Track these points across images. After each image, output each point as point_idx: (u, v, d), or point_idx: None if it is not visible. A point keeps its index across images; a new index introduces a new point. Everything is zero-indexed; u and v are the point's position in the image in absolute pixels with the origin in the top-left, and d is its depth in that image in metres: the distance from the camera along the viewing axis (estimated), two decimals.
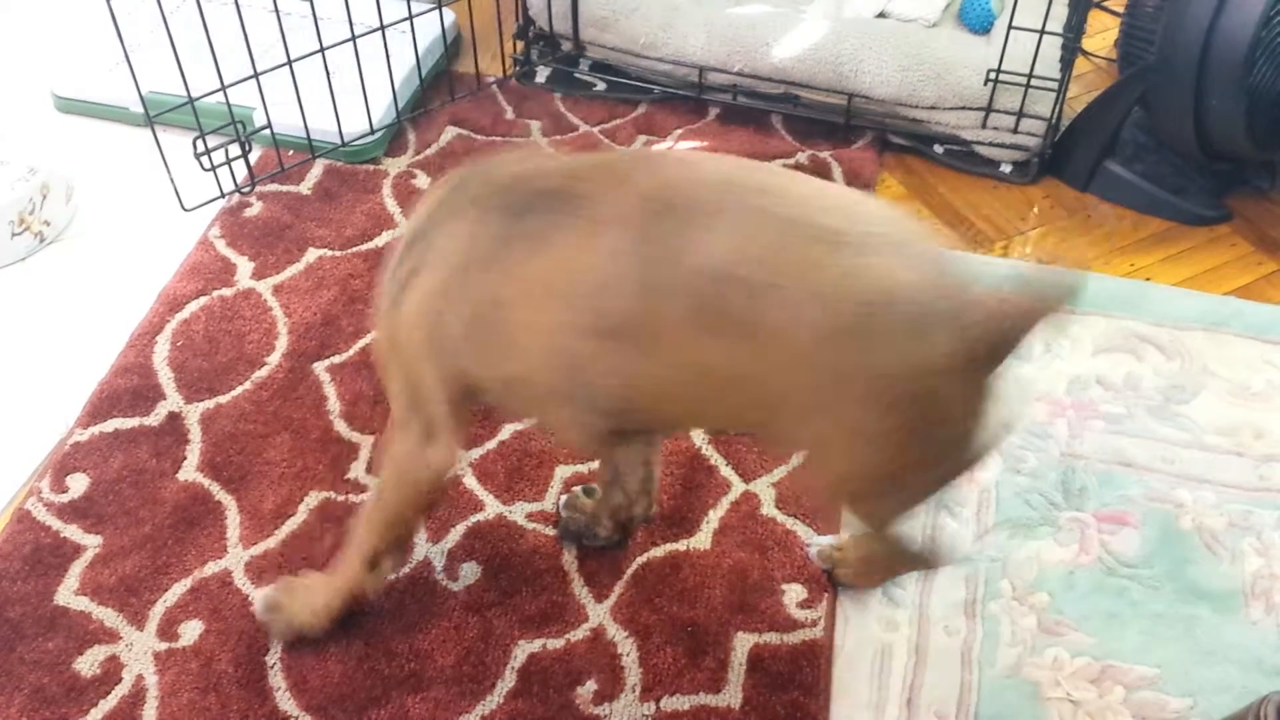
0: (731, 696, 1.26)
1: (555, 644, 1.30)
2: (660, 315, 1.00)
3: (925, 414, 1.00)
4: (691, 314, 0.99)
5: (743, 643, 1.30)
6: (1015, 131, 1.91)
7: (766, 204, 1.00)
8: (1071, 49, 1.85)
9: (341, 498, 1.44)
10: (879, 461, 1.04)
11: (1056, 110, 1.89)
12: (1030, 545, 1.41)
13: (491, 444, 1.50)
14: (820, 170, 1.91)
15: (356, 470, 1.47)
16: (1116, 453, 1.51)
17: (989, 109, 1.90)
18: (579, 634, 1.31)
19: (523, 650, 1.30)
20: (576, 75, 2.11)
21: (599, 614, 1.33)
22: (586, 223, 1.03)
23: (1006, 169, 1.94)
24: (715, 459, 1.48)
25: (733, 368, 1.01)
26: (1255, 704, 1.03)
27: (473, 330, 1.09)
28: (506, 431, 1.51)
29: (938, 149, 1.97)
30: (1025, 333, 0.97)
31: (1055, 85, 1.85)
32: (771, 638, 1.31)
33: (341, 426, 1.52)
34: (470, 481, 1.46)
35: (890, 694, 1.28)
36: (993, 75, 1.86)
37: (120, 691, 1.26)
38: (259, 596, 1.32)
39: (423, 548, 1.39)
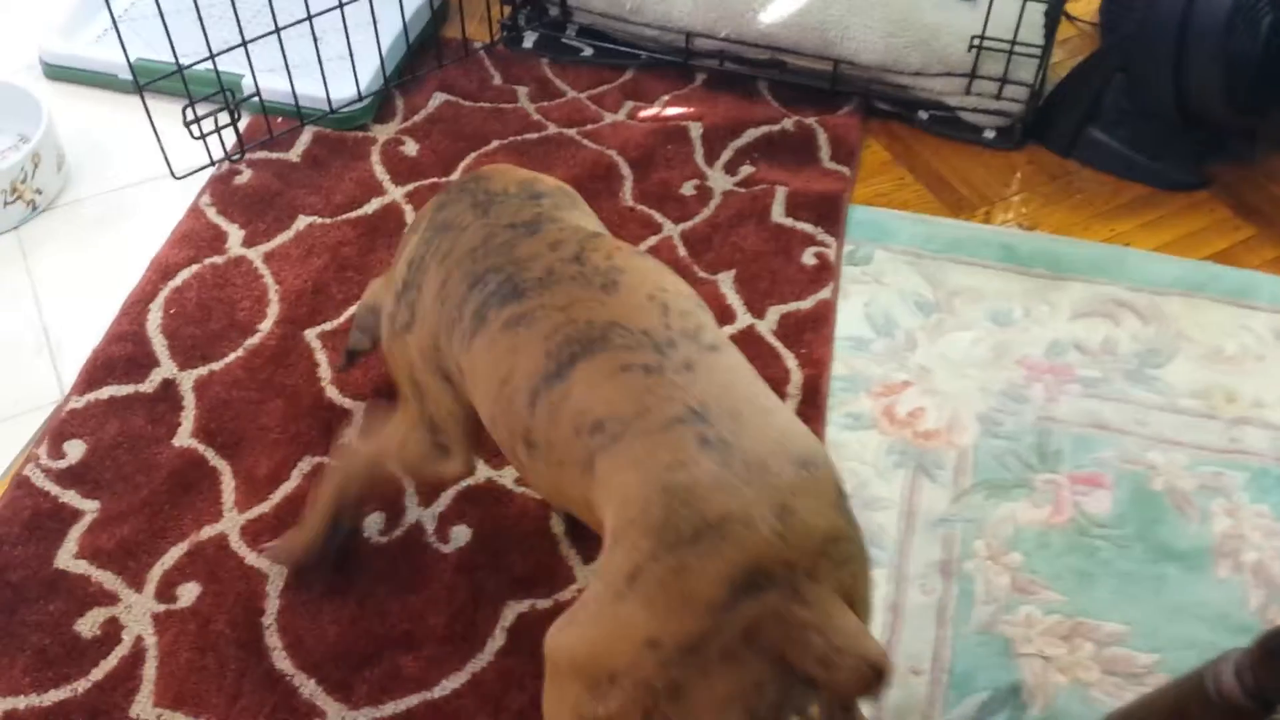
0: None
1: (544, 604, 1.34)
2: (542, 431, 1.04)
3: None
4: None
5: None
6: (999, 98, 1.93)
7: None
8: (1054, 15, 1.87)
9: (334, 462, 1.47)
10: None
11: (1040, 77, 1.90)
12: (1006, 506, 1.45)
13: None
14: (806, 136, 1.93)
15: (348, 435, 1.50)
16: (1091, 416, 1.54)
17: (973, 75, 1.91)
18: (567, 594, 1.35)
19: (512, 610, 1.34)
20: (563, 40, 2.12)
21: (586, 575, 1.37)
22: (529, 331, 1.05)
23: (990, 135, 1.96)
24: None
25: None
26: (1214, 661, 1.07)
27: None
28: None
29: (922, 115, 1.99)
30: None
31: (1039, 52, 1.86)
32: None
33: (333, 393, 1.55)
34: None
35: None
36: (977, 42, 1.87)
37: (120, 652, 1.30)
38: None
39: (414, 511, 1.43)
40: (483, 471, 1.46)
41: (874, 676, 0.89)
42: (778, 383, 1.56)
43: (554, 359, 1.02)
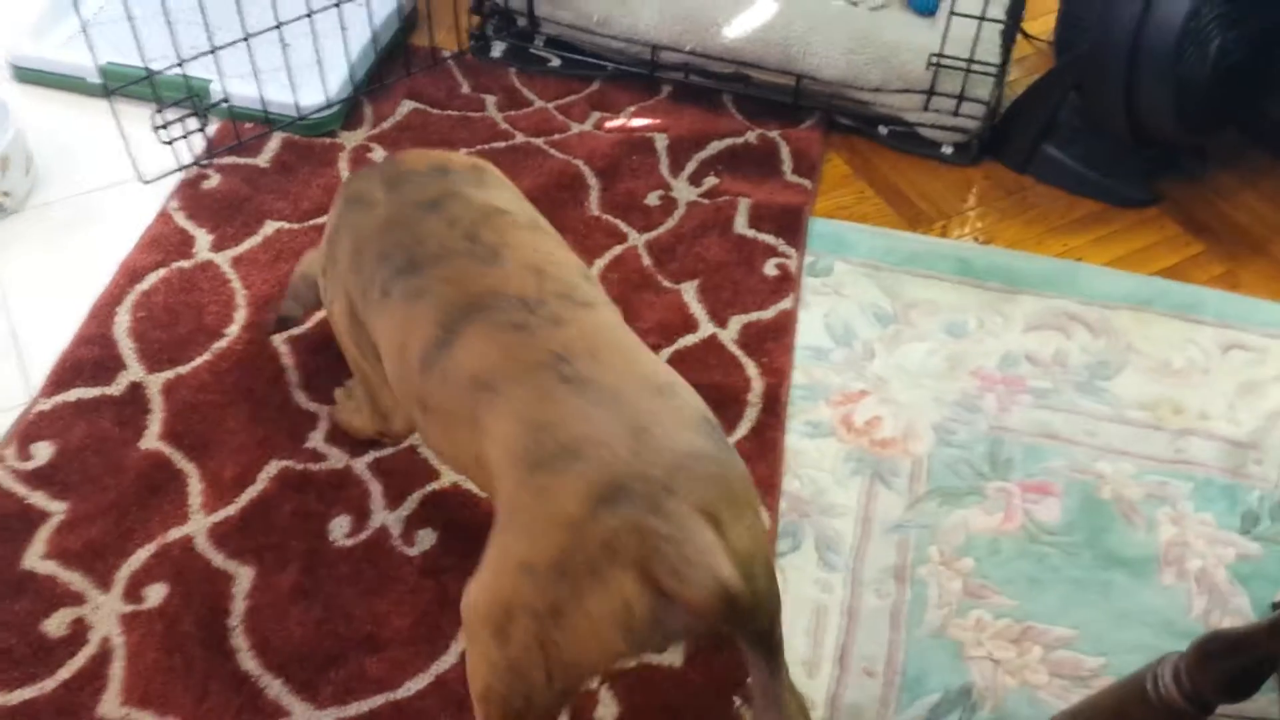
0: (674, 655, 1.33)
1: None
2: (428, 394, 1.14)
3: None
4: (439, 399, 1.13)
5: None
6: (956, 114, 1.97)
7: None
8: (1010, 34, 1.92)
9: (300, 466, 1.49)
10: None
11: (996, 94, 1.95)
12: (958, 513, 1.49)
13: None
14: (769, 149, 1.97)
15: (315, 440, 1.52)
16: (1042, 426, 1.59)
17: (931, 92, 1.96)
18: None
19: None
20: (531, 50, 2.15)
21: None
22: (426, 298, 1.15)
23: (948, 150, 2.01)
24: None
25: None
26: (1154, 664, 1.11)
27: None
28: None
29: (882, 130, 2.03)
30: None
31: (995, 70, 1.91)
32: None
33: (300, 397, 1.57)
34: (426, 451, 1.51)
35: (825, 652, 1.35)
36: (935, 60, 1.92)
37: (88, 651, 1.31)
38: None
39: (380, 515, 1.45)
40: (448, 476, 1.49)
41: (722, 595, 0.91)
42: (738, 390, 1.59)
43: (442, 327, 1.11)
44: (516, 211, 1.25)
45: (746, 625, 0.99)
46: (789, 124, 2.03)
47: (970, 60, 1.90)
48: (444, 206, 1.22)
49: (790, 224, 1.84)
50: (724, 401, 1.57)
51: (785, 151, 1.97)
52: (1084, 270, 1.81)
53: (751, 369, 1.62)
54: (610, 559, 0.93)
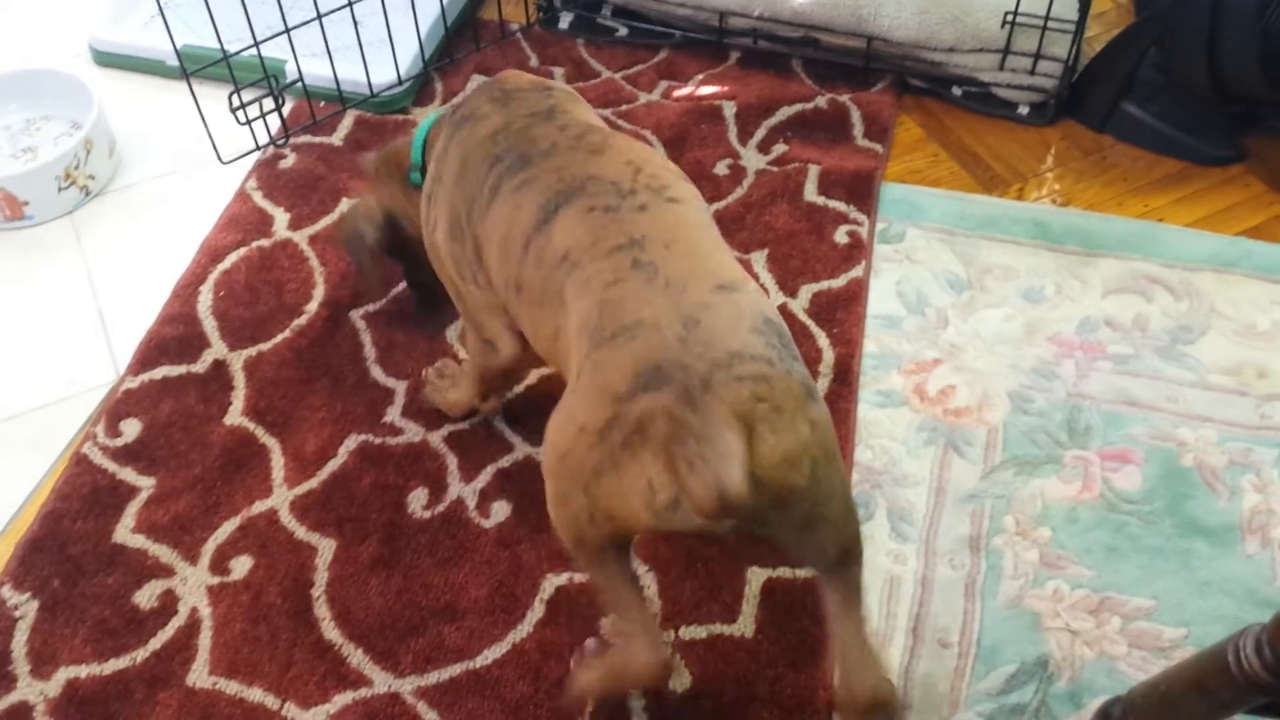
0: (745, 626, 1.34)
1: (581, 577, 1.38)
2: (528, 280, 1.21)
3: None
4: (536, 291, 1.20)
5: (757, 576, 1.38)
6: (1033, 73, 1.93)
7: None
8: None
9: (379, 440, 1.52)
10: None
11: (1073, 52, 1.91)
12: (1035, 482, 1.47)
13: (519, 388, 1.57)
14: (839, 114, 1.95)
15: (392, 414, 1.55)
16: (1122, 392, 1.56)
17: (1006, 51, 1.92)
18: None
19: (550, 583, 1.38)
20: (599, 21, 2.15)
21: None
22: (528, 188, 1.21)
23: (1024, 110, 1.97)
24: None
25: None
26: (1235, 635, 1.09)
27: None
28: (534, 376, 1.58)
29: (956, 91, 2.00)
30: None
31: (1072, 27, 1.87)
32: (784, 572, 1.38)
33: (377, 372, 1.59)
34: (499, 424, 1.53)
35: (898, 623, 1.35)
36: (1010, 17, 1.88)
37: (177, 623, 1.36)
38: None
39: (456, 487, 1.47)
40: (521, 449, 1.51)
41: (720, 499, 0.91)
42: (810, 361, 1.58)
43: (543, 210, 1.18)
44: (607, 129, 1.31)
45: (780, 532, 1.05)
46: (860, 87, 2.00)
47: (1047, 17, 1.86)
48: (554, 116, 1.28)
49: (861, 190, 1.82)
50: None
51: (856, 116, 1.95)
52: (1165, 231, 1.77)
53: (822, 339, 1.62)
54: (642, 437, 0.99)
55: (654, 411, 0.98)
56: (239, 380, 1.59)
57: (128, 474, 1.49)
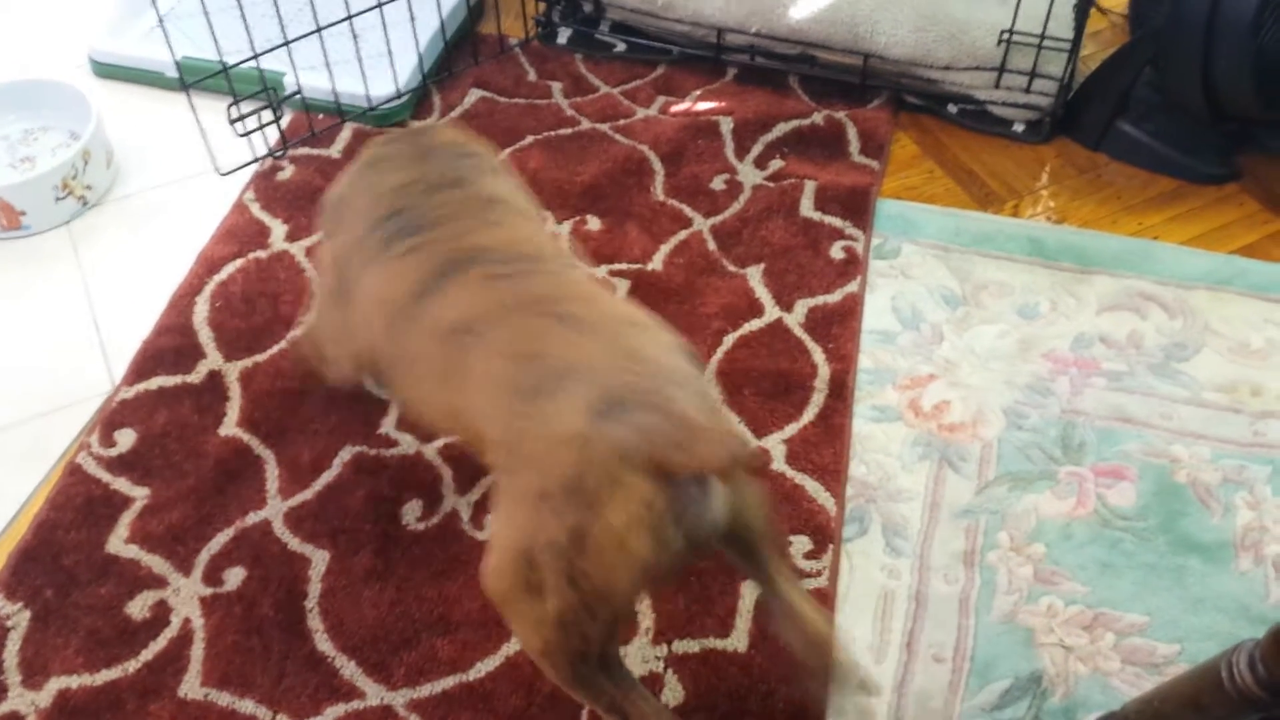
0: (739, 641, 1.33)
1: None
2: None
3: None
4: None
5: (751, 590, 1.38)
6: (1028, 91, 1.94)
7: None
8: (1084, 8, 1.88)
9: (373, 452, 1.52)
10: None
11: (1069, 70, 1.92)
12: (1029, 498, 1.47)
13: None
14: (835, 130, 1.96)
15: (387, 426, 1.55)
16: (1116, 409, 1.56)
17: (1002, 69, 1.93)
18: None
19: None
20: (597, 36, 2.15)
21: None
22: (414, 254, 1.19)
23: (1019, 128, 1.98)
24: (728, 416, 1.55)
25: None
26: (1229, 651, 1.09)
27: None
28: None
29: (952, 108, 2.01)
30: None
31: (1068, 45, 1.88)
32: None
33: (372, 384, 1.59)
34: None
35: (892, 638, 1.35)
36: (1006, 36, 1.89)
37: (169, 633, 1.35)
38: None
39: (450, 499, 1.47)
40: None
41: (731, 446, 0.93)
42: (805, 376, 1.59)
43: (431, 277, 1.14)
44: (518, 202, 1.30)
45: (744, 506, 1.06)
46: (856, 104, 2.01)
47: (1043, 36, 1.87)
48: (463, 185, 1.26)
49: (857, 206, 1.82)
50: (790, 387, 1.57)
51: (852, 132, 1.96)
52: (1160, 249, 1.77)
53: (818, 354, 1.62)
54: (622, 462, 0.95)
55: (624, 435, 0.95)
56: (234, 391, 1.59)
57: (122, 484, 1.49)
